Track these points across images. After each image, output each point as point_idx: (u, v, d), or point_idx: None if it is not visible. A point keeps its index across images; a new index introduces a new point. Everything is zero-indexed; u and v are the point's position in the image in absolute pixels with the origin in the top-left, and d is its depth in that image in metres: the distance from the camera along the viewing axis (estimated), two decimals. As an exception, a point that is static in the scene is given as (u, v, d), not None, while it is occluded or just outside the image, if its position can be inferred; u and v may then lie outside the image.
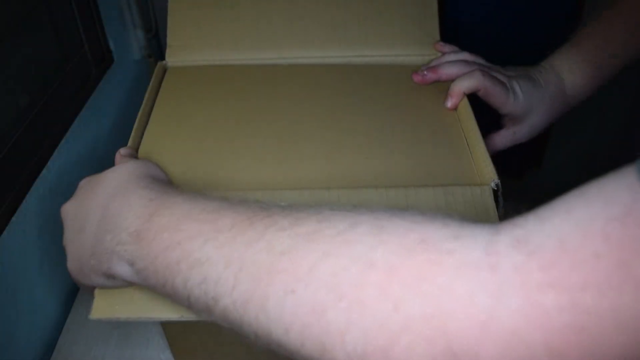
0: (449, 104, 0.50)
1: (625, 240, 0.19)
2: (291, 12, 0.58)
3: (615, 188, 0.21)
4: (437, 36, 0.58)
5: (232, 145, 0.48)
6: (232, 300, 0.28)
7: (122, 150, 0.44)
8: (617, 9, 0.52)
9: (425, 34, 0.58)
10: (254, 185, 0.44)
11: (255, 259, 0.28)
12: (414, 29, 0.58)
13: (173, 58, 0.58)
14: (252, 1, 0.58)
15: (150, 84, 0.54)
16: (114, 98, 0.73)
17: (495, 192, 0.41)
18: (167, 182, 0.41)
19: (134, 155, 0.44)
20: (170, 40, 0.58)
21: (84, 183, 0.39)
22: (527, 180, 0.80)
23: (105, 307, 0.37)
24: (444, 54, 0.56)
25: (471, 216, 0.40)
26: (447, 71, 0.53)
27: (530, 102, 0.51)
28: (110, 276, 0.35)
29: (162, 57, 0.58)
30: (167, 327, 0.49)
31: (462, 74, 0.51)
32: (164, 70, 0.57)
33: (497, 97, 0.49)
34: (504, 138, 0.54)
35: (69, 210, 0.38)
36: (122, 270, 0.34)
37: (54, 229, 0.57)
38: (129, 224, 0.34)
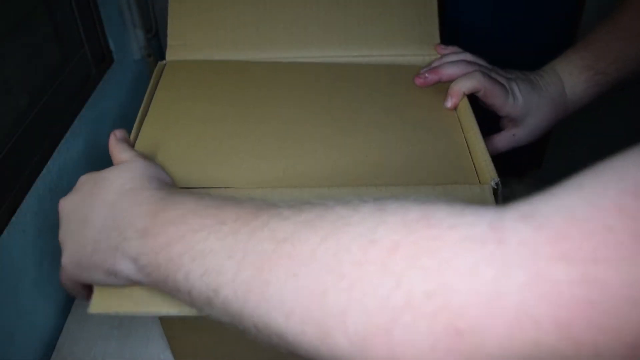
0: (449, 104, 0.50)
1: (639, 213, 0.19)
2: (291, 12, 0.58)
3: (626, 164, 0.20)
4: (437, 36, 0.58)
5: (230, 142, 0.48)
6: (234, 289, 0.28)
7: (118, 133, 0.43)
8: (617, 18, 0.52)
9: (425, 34, 0.58)
10: (252, 183, 0.44)
11: (257, 247, 0.28)
12: (414, 29, 0.58)
13: (173, 58, 0.58)
14: (252, 1, 0.58)
15: (150, 82, 0.54)
16: (114, 98, 0.73)
17: (495, 191, 0.41)
18: (173, 185, 0.41)
19: (128, 139, 0.44)
20: (171, 40, 0.58)
21: (86, 179, 0.39)
22: (527, 180, 0.80)
23: (104, 301, 0.37)
24: (444, 55, 0.56)
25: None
26: (448, 71, 0.53)
27: (529, 104, 0.51)
28: (112, 273, 0.35)
29: (162, 57, 0.58)
30: (167, 327, 0.49)
31: (463, 74, 0.51)
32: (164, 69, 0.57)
33: (496, 98, 0.49)
34: (504, 140, 0.54)
35: (68, 205, 0.38)
36: (126, 267, 0.34)
37: (53, 229, 0.57)
38: (136, 221, 0.34)
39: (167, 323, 0.48)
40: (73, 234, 0.37)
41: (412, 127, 0.49)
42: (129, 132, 0.47)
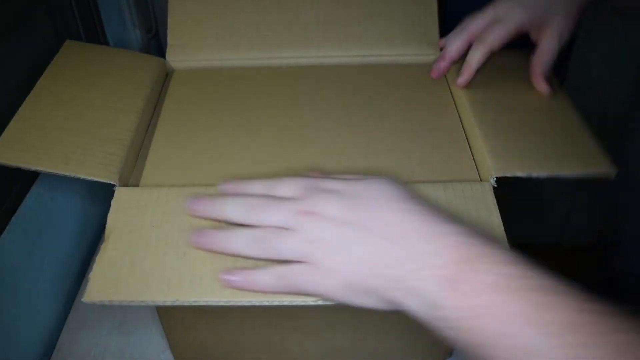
0: (460, 80, 0.51)
1: None
2: (291, 11, 0.58)
3: None
4: (437, 36, 0.58)
5: (232, 147, 0.48)
6: None
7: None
8: None
9: (425, 33, 0.58)
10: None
11: None
12: (414, 29, 0.58)
13: (173, 58, 0.58)
14: (252, 1, 0.58)
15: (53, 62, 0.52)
16: (114, 98, 0.73)
17: (495, 188, 0.41)
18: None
19: None
20: (171, 40, 0.58)
21: (348, 188, 0.36)
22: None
23: (99, 290, 0.37)
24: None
25: (472, 212, 0.40)
26: (452, 49, 0.52)
27: (541, 5, 0.49)
28: (392, 304, 0.33)
29: (162, 57, 0.58)
30: (167, 327, 0.49)
31: (467, 46, 0.50)
32: (164, 69, 0.57)
33: (511, 39, 0.49)
34: (543, 53, 0.50)
35: (333, 213, 0.35)
36: (415, 306, 0.32)
37: (54, 229, 0.57)
38: (435, 262, 0.31)
39: (167, 323, 0.48)
40: (348, 249, 0.34)
41: (412, 125, 0.49)
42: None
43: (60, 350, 0.54)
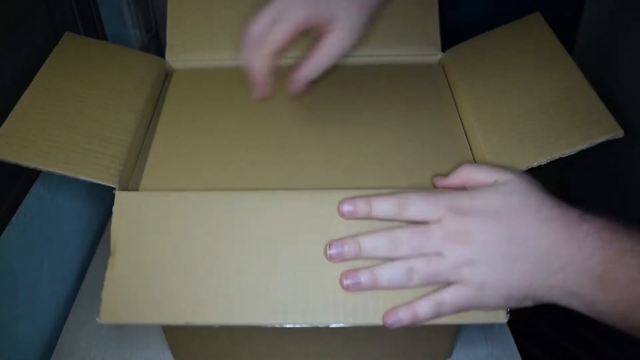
0: (257, 92, 0.46)
1: None
2: (291, 12, 0.58)
3: None
4: (438, 36, 0.58)
5: (232, 147, 0.48)
6: None
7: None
8: None
9: (425, 34, 0.58)
10: (254, 186, 0.44)
11: None
12: (414, 29, 0.58)
13: (173, 57, 0.58)
14: (252, 1, 0.58)
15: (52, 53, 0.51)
16: (114, 98, 0.73)
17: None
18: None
19: None
20: (170, 40, 0.58)
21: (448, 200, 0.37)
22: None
23: (112, 312, 0.39)
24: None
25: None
26: (248, 58, 0.46)
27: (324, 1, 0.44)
28: (550, 302, 0.36)
29: (162, 57, 0.58)
30: (167, 328, 0.49)
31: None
32: (164, 68, 0.57)
33: (294, 37, 0.45)
34: (321, 54, 0.46)
35: (479, 235, 0.36)
36: (574, 305, 0.35)
37: (54, 229, 0.57)
38: (585, 266, 0.34)
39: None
40: (497, 269, 0.36)
41: (412, 127, 0.49)
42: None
43: (60, 350, 0.54)
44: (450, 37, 0.58)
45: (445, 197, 0.38)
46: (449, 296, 0.37)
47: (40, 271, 0.54)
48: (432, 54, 0.57)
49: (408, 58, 0.57)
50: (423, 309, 0.37)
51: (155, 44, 0.87)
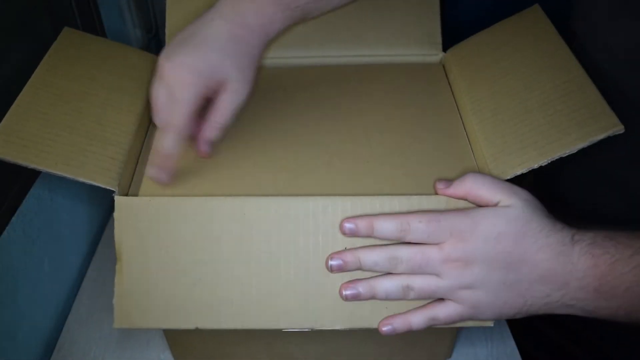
0: (151, 172, 0.44)
1: None
2: (291, 11, 0.58)
3: None
4: (439, 36, 0.57)
5: (231, 149, 0.48)
6: None
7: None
8: None
9: (426, 33, 0.58)
10: (256, 191, 0.43)
11: None
12: (415, 29, 0.58)
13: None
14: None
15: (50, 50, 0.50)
16: (114, 98, 0.73)
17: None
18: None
19: None
20: (169, 40, 0.58)
21: (466, 226, 0.38)
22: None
23: (125, 317, 0.41)
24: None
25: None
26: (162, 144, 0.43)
27: (210, 67, 0.42)
28: (539, 313, 0.38)
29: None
30: (167, 329, 0.49)
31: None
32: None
33: (194, 113, 0.43)
34: (217, 114, 0.44)
35: (477, 262, 0.38)
36: (567, 311, 0.37)
37: (54, 229, 0.57)
38: (581, 284, 0.36)
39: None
40: (496, 289, 0.38)
41: (413, 128, 0.49)
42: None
43: (60, 350, 0.54)
44: (451, 35, 0.58)
45: (447, 221, 0.38)
46: (443, 313, 0.39)
47: (40, 271, 0.54)
48: (432, 54, 0.57)
49: (409, 58, 0.57)
50: (417, 320, 0.40)
51: (155, 44, 0.87)
